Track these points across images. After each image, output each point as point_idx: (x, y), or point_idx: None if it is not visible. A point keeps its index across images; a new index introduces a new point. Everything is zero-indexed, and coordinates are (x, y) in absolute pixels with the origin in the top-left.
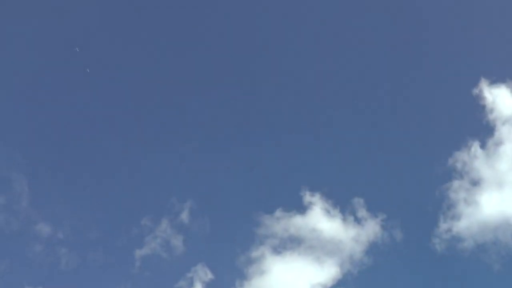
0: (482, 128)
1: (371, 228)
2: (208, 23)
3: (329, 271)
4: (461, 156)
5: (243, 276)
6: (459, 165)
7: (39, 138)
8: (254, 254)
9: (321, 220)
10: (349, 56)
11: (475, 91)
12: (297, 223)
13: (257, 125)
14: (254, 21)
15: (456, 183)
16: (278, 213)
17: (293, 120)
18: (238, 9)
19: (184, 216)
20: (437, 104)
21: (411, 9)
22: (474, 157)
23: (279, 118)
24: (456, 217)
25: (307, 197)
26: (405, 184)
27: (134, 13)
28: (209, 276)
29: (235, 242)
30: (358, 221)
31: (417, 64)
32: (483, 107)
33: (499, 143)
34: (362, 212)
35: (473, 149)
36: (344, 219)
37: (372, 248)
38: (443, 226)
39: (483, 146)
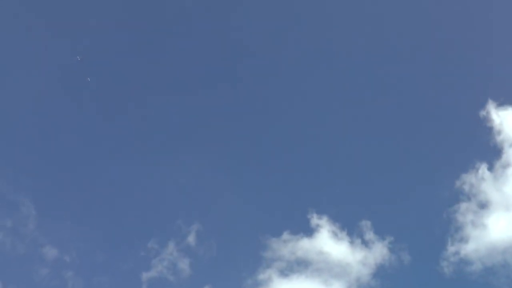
0: (490, 150)
1: (379, 251)
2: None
3: None
4: (469, 179)
5: None
6: (466, 188)
7: (46, 162)
8: (261, 277)
9: (328, 243)
10: (356, 81)
11: (482, 113)
12: (304, 246)
13: (265, 148)
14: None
15: (463, 206)
16: (285, 236)
17: (300, 143)
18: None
19: (191, 239)
20: (444, 126)
21: (419, 31)
22: (482, 180)
23: (286, 141)
24: (464, 239)
25: (314, 220)
26: (412, 207)
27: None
28: None
29: (242, 265)
30: (365, 243)
31: (424, 85)
32: (490, 129)
33: (506, 165)
34: (369, 235)
35: (480, 171)
36: (352, 242)
37: (380, 271)
38: (451, 249)
39: (490, 168)
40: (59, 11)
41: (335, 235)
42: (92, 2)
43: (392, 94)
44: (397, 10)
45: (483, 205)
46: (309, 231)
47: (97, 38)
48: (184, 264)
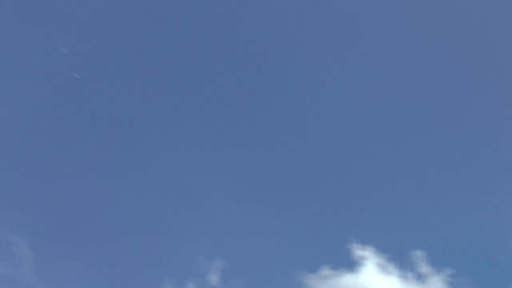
0: None
1: (436, 287)
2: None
3: None
4: None
5: None
6: None
7: (40, 195)
8: None
9: (375, 278)
10: (403, 92)
11: None
12: (347, 282)
13: (295, 166)
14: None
15: None
16: (323, 271)
17: (337, 158)
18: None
19: (213, 278)
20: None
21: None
22: None
23: (320, 157)
24: None
25: (357, 251)
26: (475, 233)
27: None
28: None
29: None
30: (420, 278)
31: (482, 92)
32: None
33: None
34: (424, 267)
35: None
36: (403, 276)
37: None
38: None
39: None
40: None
41: (382, 268)
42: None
43: (445, 100)
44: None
45: None
46: (351, 264)
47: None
48: None
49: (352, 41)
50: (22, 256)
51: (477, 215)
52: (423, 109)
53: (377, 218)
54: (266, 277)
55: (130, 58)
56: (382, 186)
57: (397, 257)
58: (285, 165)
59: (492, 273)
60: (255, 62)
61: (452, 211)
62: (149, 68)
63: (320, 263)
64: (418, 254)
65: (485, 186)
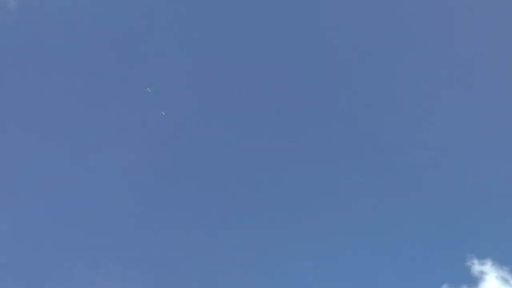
0: None
1: None
2: None
3: None
4: None
5: None
6: None
7: (155, 255)
8: None
9: None
10: None
11: None
12: None
13: (407, 191)
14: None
15: None
16: None
17: (443, 172)
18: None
19: None
20: None
21: None
22: None
23: (431, 181)
24: None
25: (476, 267)
26: None
27: None
28: None
29: None
30: None
31: None
32: None
33: None
34: None
35: None
36: None
37: None
38: None
39: None
40: None
41: (505, 282)
42: None
43: None
44: None
45: None
46: (472, 281)
47: None
48: None
49: None
50: None
51: None
52: None
53: (492, 230)
54: None
55: None
56: (492, 197)
57: None
58: (399, 187)
59: None
60: None
61: None
62: None
63: (441, 282)
64: None
65: None
